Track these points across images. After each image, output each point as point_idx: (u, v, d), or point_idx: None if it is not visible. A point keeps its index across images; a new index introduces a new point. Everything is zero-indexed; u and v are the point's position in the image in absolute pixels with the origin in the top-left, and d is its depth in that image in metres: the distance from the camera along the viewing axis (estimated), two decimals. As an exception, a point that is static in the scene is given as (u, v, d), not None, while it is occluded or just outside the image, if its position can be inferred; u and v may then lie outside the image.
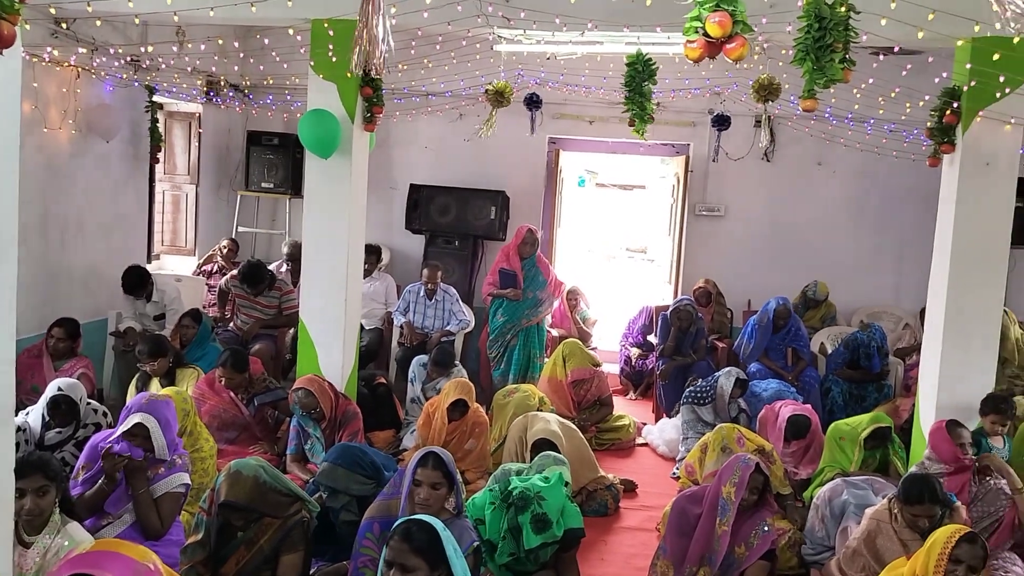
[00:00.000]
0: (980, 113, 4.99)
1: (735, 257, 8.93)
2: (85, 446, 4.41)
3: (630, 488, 5.99)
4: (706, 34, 3.09)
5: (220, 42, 6.58)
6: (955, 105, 5.02)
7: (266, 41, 6.47)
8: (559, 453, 5.04)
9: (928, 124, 5.21)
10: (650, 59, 5.49)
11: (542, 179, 9.23)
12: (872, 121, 7.88)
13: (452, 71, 7.54)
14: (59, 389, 4.82)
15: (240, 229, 9.12)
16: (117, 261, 7.20)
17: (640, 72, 5.42)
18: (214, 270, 8.53)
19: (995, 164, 5.07)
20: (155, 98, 7.73)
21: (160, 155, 8.13)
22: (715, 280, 8.55)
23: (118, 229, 7.55)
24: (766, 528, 4.22)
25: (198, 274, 8.51)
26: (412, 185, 8.95)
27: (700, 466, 5.55)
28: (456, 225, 8.77)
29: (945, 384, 5.21)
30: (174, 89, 7.89)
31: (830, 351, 7.60)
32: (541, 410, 6.14)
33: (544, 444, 5.20)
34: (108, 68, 6.94)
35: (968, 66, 4.91)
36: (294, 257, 7.98)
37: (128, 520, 4.02)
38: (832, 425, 5.58)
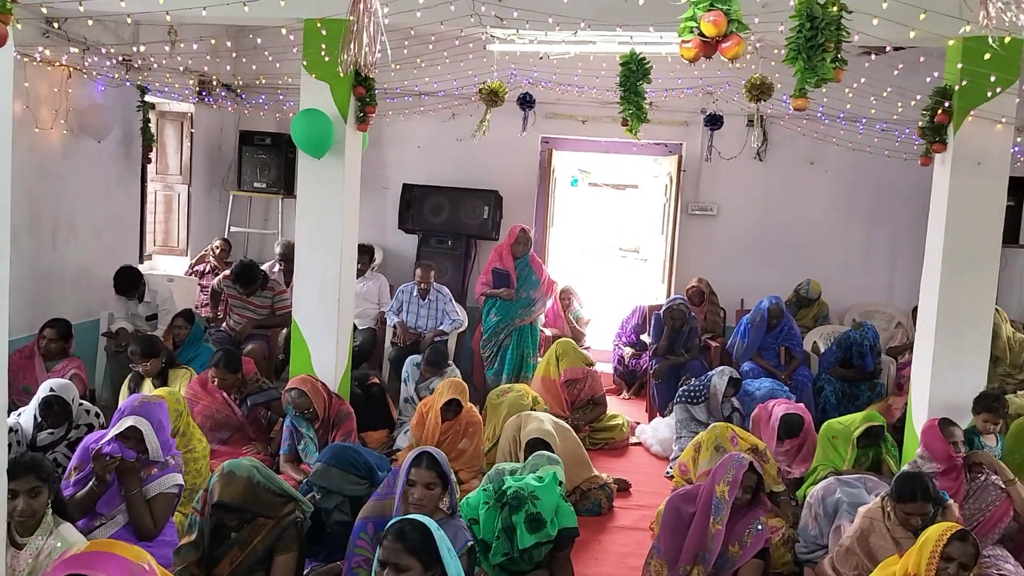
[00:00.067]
0: (971, 112, 5.00)
1: (728, 256, 8.95)
2: (77, 447, 4.40)
3: (624, 487, 6.00)
4: (701, 34, 3.09)
5: (212, 42, 6.57)
6: (946, 104, 5.03)
7: (259, 41, 6.46)
8: (553, 453, 5.04)
9: (920, 123, 5.23)
10: (644, 58, 5.50)
11: (535, 179, 9.23)
12: (864, 120, 7.91)
13: (445, 71, 7.54)
14: (51, 390, 4.81)
15: (232, 229, 9.10)
16: (109, 261, 7.18)
17: (635, 72, 5.43)
18: (206, 270, 8.51)
19: (986, 163, 5.08)
20: (147, 98, 7.71)
21: (152, 155, 8.10)
22: (708, 279, 8.57)
23: (110, 229, 7.53)
24: (760, 527, 4.22)
25: (190, 274, 8.49)
26: (405, 185, 8.94)
27: (694, 465, 5.56)
28: (449, 225, 8.77)
29: (937, 382, 5.22)
30: (166, 89, 7.87)
31: (823, 350, 7.63)
32: (535, 410, 6.14)
33: (538, 444, 5.20)
34: (100, 68, 6.92)
35: (959, 66, 4.93)
36: (287, 257, 7.97)
37: (121, 521, 4.01)
38: (825, 424, 5.60)
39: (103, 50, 6.77)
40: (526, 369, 7.69)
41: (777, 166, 8.90)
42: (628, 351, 8.50)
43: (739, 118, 8.59)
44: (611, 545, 5.19)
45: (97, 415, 5.08)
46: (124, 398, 5.56)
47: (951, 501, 4.35)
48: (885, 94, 6.68)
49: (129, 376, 5.78)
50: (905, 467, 4.78)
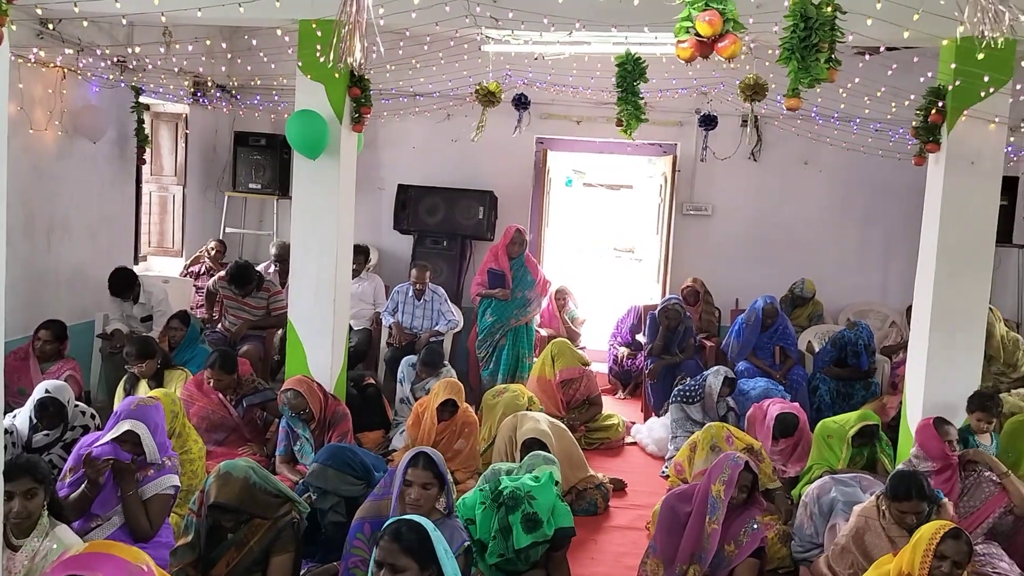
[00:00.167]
0: (965, 112, 5.02)
1: (723, 256, 8.96)
2: (73, 448, 4.39)
3: (620, 487, 6.01)
4: (697, 33, 3.10)
5: (207, 43, 6.57)
6: (940, 104, 5.05)
7: (253, 41, 6.44)
8: (549, 452, 5.05)
9: (913, 123, 5.25)
10: (640, 58, 5.51)
11: (530, 179, 9.24)
12: (858, 120, 7.93)
13: (440, 71, 7.53)
14: (46, 391, 4.80)
15: (228, 230, 9.09)
16: (104, 263, 7.16)
17: (631, 72, 5.43)
18: (201, 271, 8.50)
19: (980, 163, 5.10)
20: (142, 99, 7.70)
21: (147, 156, 8.10)
22: (703, 279, 8.58)
23: (105, 230, 7.51)
24: (755, 526, 4.23)
25: (185, 275, 8.48)
26: (400, 185, 8.94)
27: (689, 465, 5.57)
28: (444, 225, 8.77)
29: (932, 381, 5.24)
30: (161, 90, 7.86)
31: (817, 349, 7.64)
32: (530, 410, 6.15)
33: (534, 444, 5.20)
34: (94, 69, 6.91)
35: (953, 66, 4.95)
36: (282, 258, 7.96)
37: (117, 522, 4.00)
38: (820, 423, 5.61)
39: (98, 51, 6.76)
40: (522, 369, 7.70)
41: (771, 166, 8.92)
42: (623, 351, 8.51)
43: (733, 118, 8.61)
44: (607, 545, 5.19)
45: (92, 416, 5.07)
46: (119, 399, 5.55)
47: (946, 500, 4.36)
48: (879, 94, 6.69)
49: (124, 377, 5.77)
50: (900, 466, 4.79)
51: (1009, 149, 7.16)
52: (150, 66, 7.42)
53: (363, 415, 6.26)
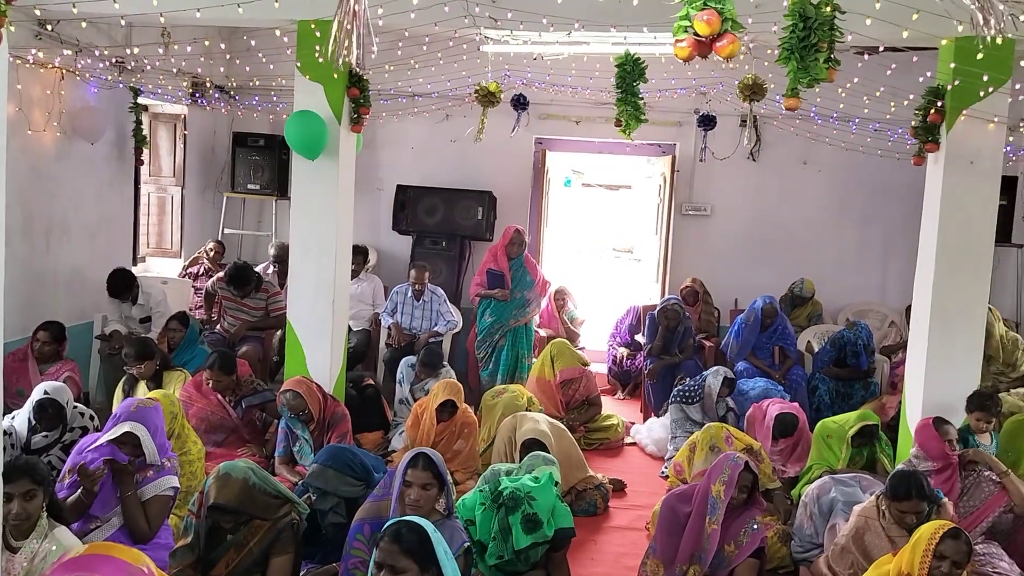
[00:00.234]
0: (964, 112, 5.02)
1: (722, 256, 8.97)
2: (72, 450, 4.39)
3: (619, 488, 6.00)
4: (695, 33, 3.09)
5: (206, 43, 6.54)
6: (939, 104, 5.05)
7: (252, 42, 6.44)
8: (548, 453, 5.05)
9: (912, 123, 5.25)
10: (639, 59, 5.50)
11: (529, 179, 9.24)
12: (857, 120, 7.93)
13: (439, 72, 7.54)
14: (45, 393, 4.79)
15: (226, 231, 9.08)
16: (102, 264, 7.15)
17: (630, 72, 5.43)
18: (200, 272, 8.49)
19: (979, 162, 5.11)
20: (140, 100, 7.69)
21: (144, 157, 8.09)
22: (702, 279, 8.58)
23: (103, 231, 7.50)
24: (755, 526, 4.23)
25: (184, 276, 8.47)
26: (399, 186, 8.94)
27: (689, 465, 5.57)
28: (443, 226, 8.76)
29: (931, 381, 5.24)
30: (159, 91, 7.85)
31: (816, 349, 7.64)
32: (530, 410, 6.14)
33: (533, 444, 5.20)
34: (93, 70, 6.90)
35: (952, 65, 4.95)
36: (281, 259, 7.95)
37: (116, 523, 4.00)
38: (819, 423, 5.61)
39: (96, 52, 6.75)
40: (521, 370, 7.70)
41: (770, 166, 8.92)
42: (623, 351, 8.51)
43: (732, 118, 8.62)
44: (607, 545, 5.19)
45: (91, 418, 5.06)
46: (118, 400, 5.55)
47: (945, 499, 4.36)
48: (878, 94, 6.70)
49: (123, 379, 5.76)
50: (900, 465, 4.79)
51: (1008, 149, 7.17)
52: (148, 67, 7.41)
53: (362, 416, 6.26)
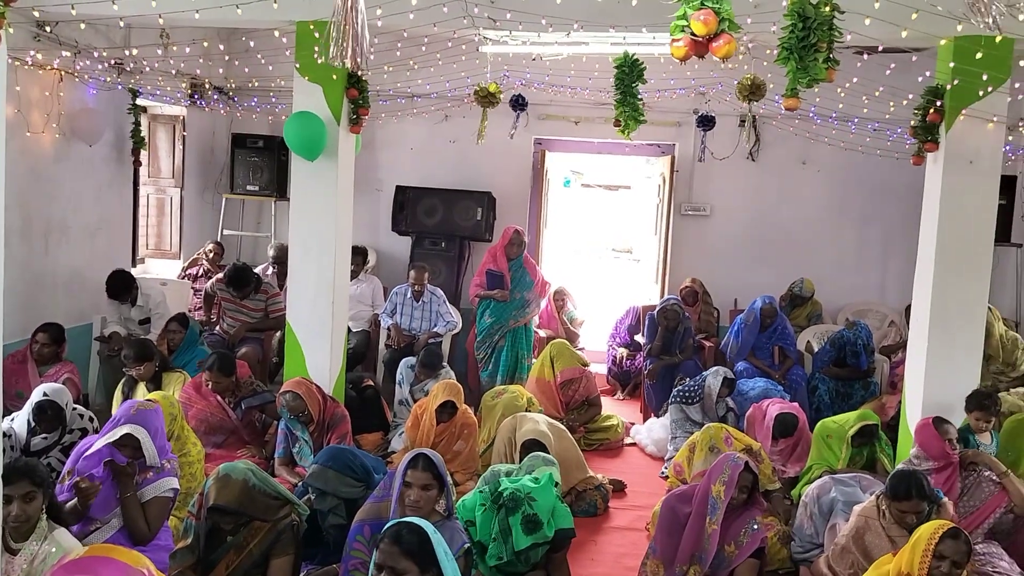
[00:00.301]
0: (963, 111, 5.02)
1: (721, 256, 8.97)
2: (72, 451, 4.38)
3: (619, 488, 6.00)
4: (692, 32, 3.09)
5: (205, 44, 6.54)
6: (938, 104, 5.05)
7: (251, 43, 6.43)
8: (548, 454, 5.05)
9: (912, 123, 5.25)
10: (638, 60, 5.51)
11: (528, 180, 9.24)
12: (856, 120, 7.93)
13: (438, 72, 7.55)
14: (44, 394, 4.79)
15: (225, 232, 9.08)
16: (101, 265, 7.15)
17: (628, 73, 5.43)
18: (199, 274, 8.49)
19: (978, 162, 5.11)
20: (139, 101, 7.69)
21: (143, 158, 8.08)
22: (701, 279, 8.58)
23: (102, 233, 7.50)
24: (755, 526, 4.23)
25: (183, 278, 8.46)
26: (398, 187, 8.94)
27: (688, 465, 5.57)
28: (442, 226, 8.76)
29: (931, 381, 5.24)
30: (158, 92, 7.85)
31: (816, 349, 7.64)
32: (529, 411, 6.14)
33: (533, 445, 5.20)
34: (91, 71, 6.90)
35: (951, 65, 4.95)
36: (280, 260, 7.95)
37: (116, 525, 3.99)
38: (819, 423, 5.61)
39: (95, 53, 6.74)
40: (520, 370, 7.69)
41: (770, 166, 8.93)
42: (622, 352, 8.51)
43: (731, 118, 8.62)
44: (607, 546, 5.19)
45: (91, 419, 5.06)
46: (118, 402, 5.55)
47: (946, 499, 4.36)
48: (877, 93, 6.70)
49: (123, 380, 5.76)
50: (900, 465, 4.79)
51: (1007, 148, 7.18)
52: (147, 68, 7.41)
53: (362, 417, 6.26)
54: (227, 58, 7.56)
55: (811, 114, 7.94)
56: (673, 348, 7.59)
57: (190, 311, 7.74)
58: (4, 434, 4.59)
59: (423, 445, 5.52)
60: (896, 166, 8.01)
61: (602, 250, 21.23)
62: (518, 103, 8.09)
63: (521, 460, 4.96)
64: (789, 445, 5.87)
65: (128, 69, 7.32)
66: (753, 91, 5.51)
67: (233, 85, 8.41)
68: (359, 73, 5.72)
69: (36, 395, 4.82)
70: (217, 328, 7.32)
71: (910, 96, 5.89)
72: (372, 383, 6.77)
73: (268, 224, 9.25)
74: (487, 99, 6.70)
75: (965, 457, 4.72)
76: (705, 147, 8.48)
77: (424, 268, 7.83)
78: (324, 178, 5.78)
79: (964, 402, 5.12)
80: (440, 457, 3.80)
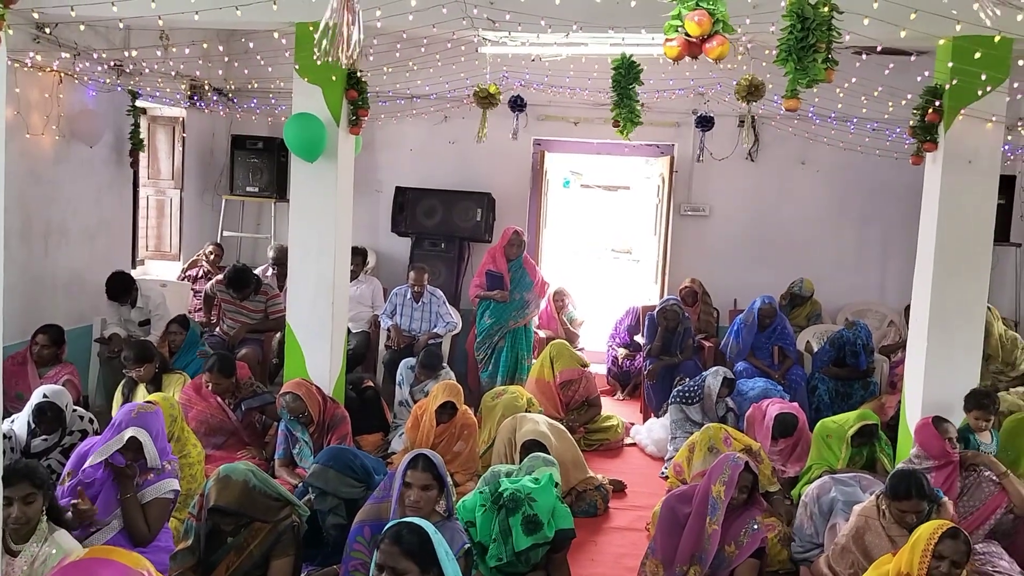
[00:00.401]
0: (962, 111, 5.03)
1: (720, 256, 8.97)
2: (72, 453, 4.38)
3: (619, 488, 6.00)
4: (686, 33, 3.10)
5: (204, 46, 6.54)
6: (937, 103, 5.05)
7: (250, 45, 6.44)
8: (548, 454, 5.05)
9: (911, 123, 5.26)
10: (635, 62, 5.51)
11: (527, 181, 9.24)
12: (855, 120, 7.93)
13: (437, 74, 7.55)
14: (44, 396, 4.79)
15: (225, 233, 9.08)
16: (101, 267, 7.14)
17: (625, 75, 5.43)
18: (199, 275, 8.49)
19: (977, 162, 5.11)
20: (138, 103, 7.69)
21: (143, 160, 8.08)
22: (701, 279, 8.58)
23: (102, 235, 7.50)
24: (756, 526, 4.23)
25: (183, 279, 8.46)
26: (398, 188, 8.94)
27: (688, 466, 5.57)
28: (442, 227, 8.76)
29: (930, 381, 5.24)
30: (157, 94, 7.85)
31: (816, 349, 7.64)
32: (529, 411, 6.14)
33: (533, 445, 5.20)
34: (91, 73, 6.90)
35: (950, 65, 4.95)
36: (280, 261, 7.95)
37: (116, 526, 3.99)
38: (819, 423, 5.61)
39: (94, 55, 6.75)
40: (520, 371, 7.70)
41: (769, 166, 8.93)
42: (622, 352, 8.51)
43: (730, 119, 8.63)
44: (607, 546, 5.19)
45: (91, 421, 5.06)
46: (117, 404, 5.55)
47: (946, 499, 4.36)
48: (876, 93, 6.70)
49: (122, 382, 5.76)
50: (900, 465, 4.79)
51: (1006, 148, 7.18)
52: (147, 70, 7.41)
53: (362, 418, 6.26)
54: (227, 59, 7.56)
55: (810, 114, 7.95)
56: (673, 348, 7.59)
57: (190, 312, 7.74)
58: (4, 436, 4.59)
59: (423, 446, 5.52)
60: (895, 166, 8.02)
61: (602, 251, 21.24)
62: (517, 104, 8.09)
63: (521, 461, 4.96)
64: (789, 445, 5.88)
65: (128, 71, 7.32)
66: (752, 91, 5.52)
67: (233, 86, 8.41)
68: (358, 73, 5.73)
69: (36, 397, 4.82)
70: (217, 329, 7.32)
71: (909, 96, 5.89)
72: (372, 384, 6.77)
73: (268, 225, 9.25)
74: (486, 100, 6.70)
75: (964, 458, 4.72)
76: (704, 147, 8.50)
77: (424, 269, 7.83)
78: (324, 179, 5.78)
79: (963, 402, 5.12)
80: (440, 458, 3.80)
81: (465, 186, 8.90)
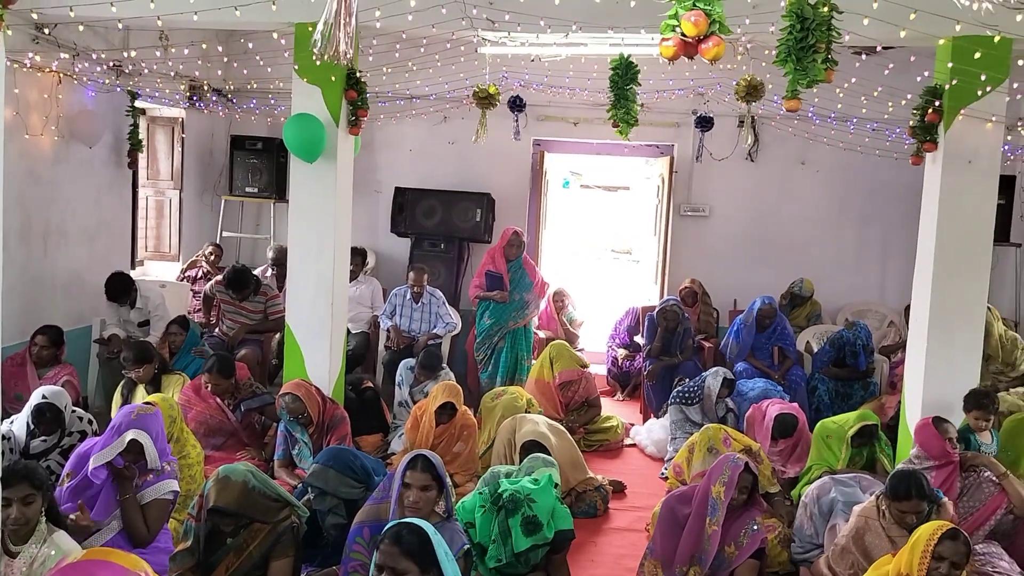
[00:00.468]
0: (962, 111, 5.03)
1: (720, 257, 8.96)
2: (71, 454, 4.37)
3: (619, 489, 5.99)
4: (682, 33, 3.09)
5: (203, 46, 6.53)
6: (937, 103, 5.05)
7: (250, 45, 6.44)
8: (548, 455, 5.04)
9: (910, 123, 5.26)
10: (632, 63, 5.51)
11: (527, 181, 9.23)
12: (855, 120, 7.93)
13: (436, 74, 7.55)
14: (43, 397, 4.78)
15: (224, 234, 9.08)
16: (100, 268, 7.14)
17: (622, 76, 5.43)
18: (198, 276, 8.48)
19: (977, 162, 5.11)
20: (137, 103, 7.69)
21: (143, 160, 8.08)
22: (701, 280, 8.58)
23: (101, 235, 7.50)
24: (756, 527, 4.23)
25: (182, 280, 8.46)
26: (397, 188, 8.94)
27: (688, 466, 5.56)
28: (441, 228, 8.76)
29: (930, 381, 5.24)
30: (157, 94, 7.85)
31: (816, 350, 7.64)
32: (529, 412, 6.14)
33: (533, 446, 5.20)
34: (90, 73, 6.90)
35: (949, 65, 4.95)
36: (279, 262, 7.95)
37: (116, 527, 3.99)
38: (819, 423, 5.61)
39: (93, 55, 6.75)
40: (520, 372, 7.69)
41: (768, 166, 8.93)
42: (622, 352, 8.51)
43: (730, 119, 8.62)
44: (607, 547, 5.18)
45: (90, 422, 5.05)
46: (117, 404, 5.55)
47: (946, 499, 4.36)
48: (876, 94, 6.70)
49: (122, 383, 5.75)
50: (900, 465, 4.79)
51: (1006, 148, 7.18)
52: (146, 70, 7.41)
53: (361, 419, 6.25)
54: (226, 60, 7.56)
55: (810, 114, 7.95)
56: (673, 349, 7.59)
57: (189, 313, 7.74)
58: (3, 437, 4.60)
59: (423, 446, 5.52)
60: (895, 166, 8.02)
61: (601, 251, 21.25)
62: (516, 104, 8.09)
63: (521, 461, 4.96)
64: (789, 446, 5.87)
65: (127, 71, 7.32)
66: (751, 91, 5.52)
67: (232, 87, 8.41)
68: (357, 74, 5.73)
69: (35, 398, 4.81)
70: (216, 330, 7.32)
71: (909, 96, 5.89)
72: (371, 385, 6.77)
73: (267, 226, 9.24)
74: (486, 100, 6.70)
75: (964, 459, 4.71)
76: (704, 148, 8.49)
77: (423, 269, 7.82)
78: (323, 180, 5.78)
79: (962, 402, 5.12)
80: (439, 458, 3.80)
81: (465, 186, 8.90)
